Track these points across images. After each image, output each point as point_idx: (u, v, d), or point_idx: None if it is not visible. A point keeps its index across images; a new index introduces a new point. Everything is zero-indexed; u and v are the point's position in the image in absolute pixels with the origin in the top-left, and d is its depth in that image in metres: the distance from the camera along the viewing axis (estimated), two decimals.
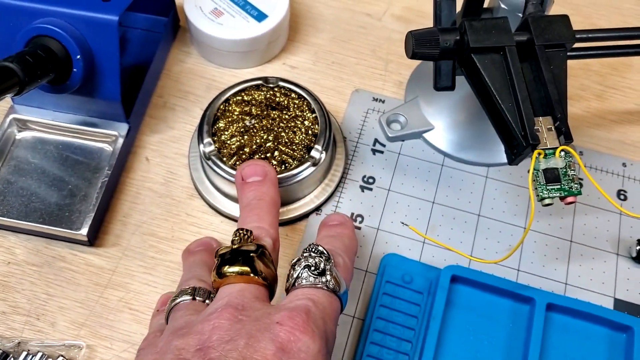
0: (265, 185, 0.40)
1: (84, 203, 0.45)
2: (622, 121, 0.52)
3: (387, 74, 0.54)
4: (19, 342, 0.41)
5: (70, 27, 0.42)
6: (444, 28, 0.39)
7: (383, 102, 0.52)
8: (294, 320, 0.30)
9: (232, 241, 0.34)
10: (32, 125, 0.48)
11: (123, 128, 0.47)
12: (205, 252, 0.40)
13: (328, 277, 0.33)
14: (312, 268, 0.33)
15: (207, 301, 0.34)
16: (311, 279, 0.33)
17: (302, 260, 0.34)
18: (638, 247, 0.45)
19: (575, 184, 0.37)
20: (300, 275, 0.33)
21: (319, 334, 0.30)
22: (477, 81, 0.39)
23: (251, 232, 0.35)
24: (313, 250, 0.34)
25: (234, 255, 0.33)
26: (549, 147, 0.37)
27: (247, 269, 0.33)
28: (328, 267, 0.33)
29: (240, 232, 0.35)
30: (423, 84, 0.51)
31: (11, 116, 0.48)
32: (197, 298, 0.34)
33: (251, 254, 0.33)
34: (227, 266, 0.33)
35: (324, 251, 0.34)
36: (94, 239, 0.45)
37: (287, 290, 0.34)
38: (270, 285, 0.34)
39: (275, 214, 0.38)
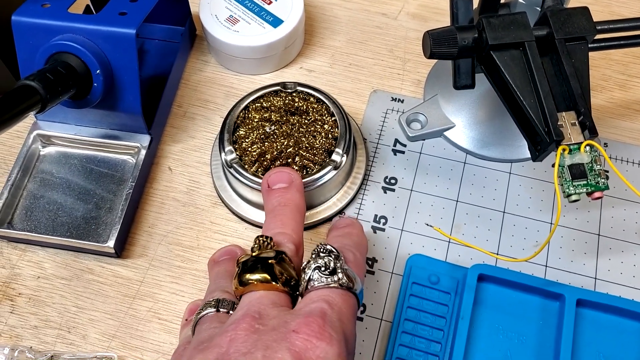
0: (290, 192, 0.40)
1: (110, 215, 0.46)
2: None
3: (405, 73, 0.54)
4: (52, 356, 0.41)
5: (88, 42, 0.42)
6: (461, 26, 0.39)
7: (402, 101, 0.52)
8: (310, 326, 0.30)
9: (252, 248, 0.34)
10: (55, 140, 0.49)
11: (145, 139, 0.48)
12: (229, 261, 0.41)
13: (340, 275, 0.33)
14: (323, 268, 0.33)
15: (231, 312, 0.34)
16: (323, 279, 0.33)
17: (312, 262, 0.34)
18: None
19: (602, 178, 0.36)
20: (311, 277, 0.33)
21: (336, 338, 0.30)
22: (497, 78, 0.39)
23: (271, 238, 0.35)
24: (321, 250, 0.34)
25: (254, 263, 0.33)
26: (573, 142, 0.36)
27: (266, 276, 0.33)
28: (339, 264, 0.33)
29: (260, 239, 0.35)
30: (442, 82, 0.51)
31: (35, 132, 0.48)
32: (221, 310, 0.34)
33: (269, 261, 0.33)
34: (248, 274, 0.33)
35: (333, 249, 0.34)
36: (121, 250, 0.45)
37: (301, 294, 0.33)
38: (291, 291, 0.34)
39: (299, 219, 0.38)
